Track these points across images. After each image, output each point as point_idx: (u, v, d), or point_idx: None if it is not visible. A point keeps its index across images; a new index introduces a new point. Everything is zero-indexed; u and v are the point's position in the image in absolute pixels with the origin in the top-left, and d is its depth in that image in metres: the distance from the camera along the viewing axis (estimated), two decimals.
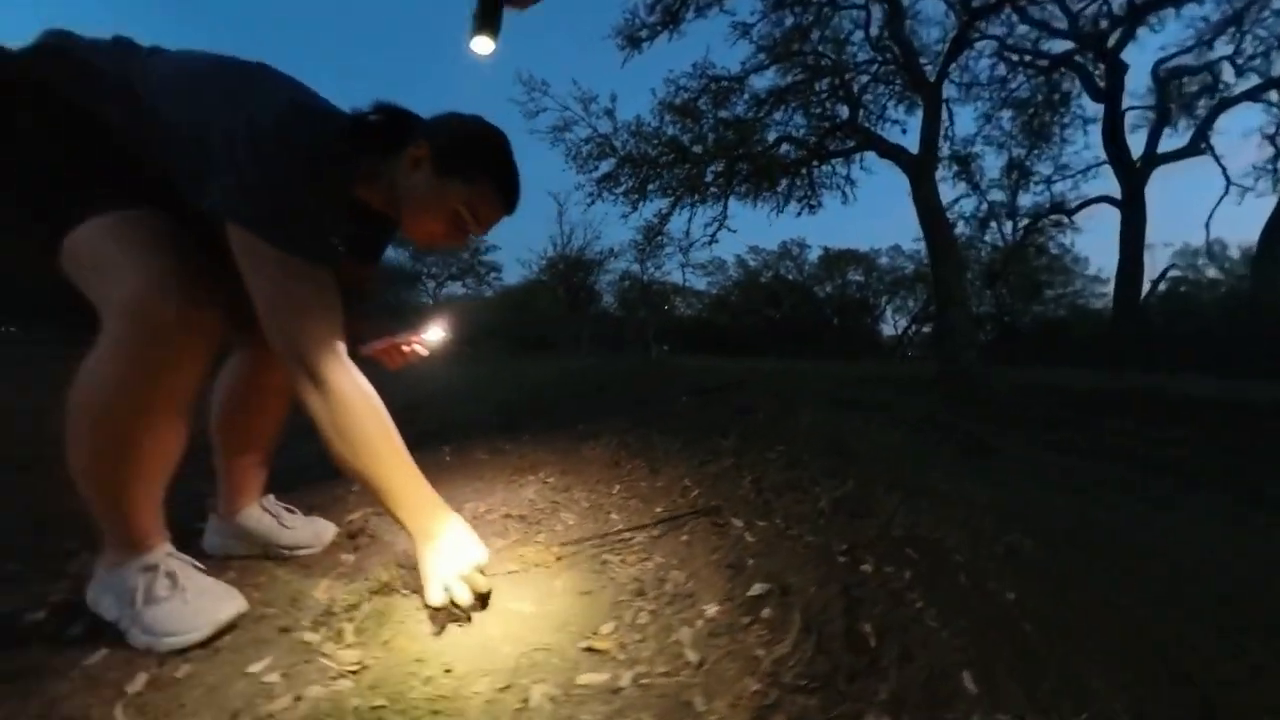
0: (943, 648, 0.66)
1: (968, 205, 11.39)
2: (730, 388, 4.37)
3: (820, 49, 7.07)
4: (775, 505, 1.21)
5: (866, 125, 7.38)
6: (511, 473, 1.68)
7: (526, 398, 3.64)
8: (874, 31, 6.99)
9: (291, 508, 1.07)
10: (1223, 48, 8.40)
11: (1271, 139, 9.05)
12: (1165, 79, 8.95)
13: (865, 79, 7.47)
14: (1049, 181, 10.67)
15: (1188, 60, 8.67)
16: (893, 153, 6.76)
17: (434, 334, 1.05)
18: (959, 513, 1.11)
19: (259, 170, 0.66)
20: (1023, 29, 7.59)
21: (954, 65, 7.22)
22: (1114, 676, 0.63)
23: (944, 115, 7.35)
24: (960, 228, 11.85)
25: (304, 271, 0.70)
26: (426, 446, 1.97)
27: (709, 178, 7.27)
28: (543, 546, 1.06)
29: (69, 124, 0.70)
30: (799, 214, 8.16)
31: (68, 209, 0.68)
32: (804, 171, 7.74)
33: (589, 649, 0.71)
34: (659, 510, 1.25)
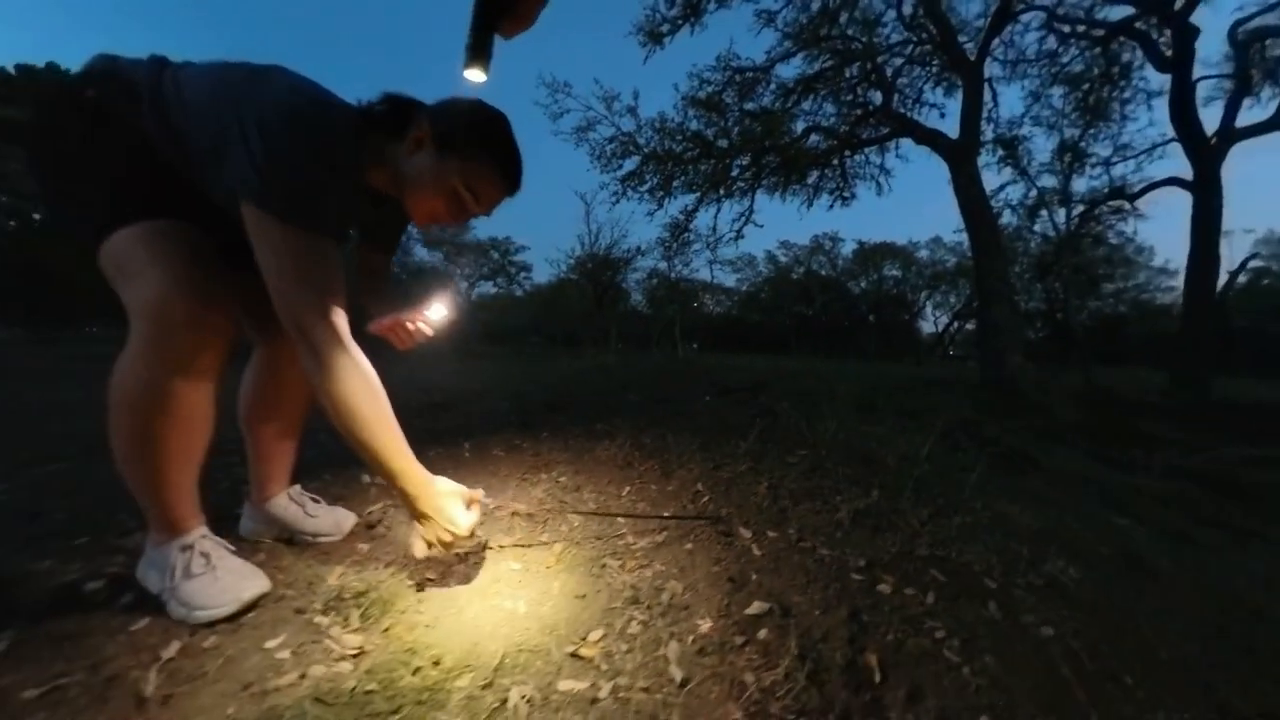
0: (961, 687, 0.59)
1: (1015, 192, 10.63)
2: (755, 388, 4.27)
3: (849, 33, 6.73)
4: (790, 514, 1.14)
5: (901, 111, 7.00)
6: (525, 470, 1.67)
7: (548, 395, 3.65)
8: (907, 10, 6.60)
9: (316, 498, 1.15)
10: None
11: None
12: (1245, 42, 7.70)
13: (899, 62, 7.07)
14: (1107, 164, 9.77)
15: (1271, 20, 7.45)
16: (930, 138, 6.39)
17: (437, 311, 1.05)
18: (993, 533, 1.02)
19: (268, 150, 0.70)
20: None
21: (997, 41, 6.71)
22: None
23: (987, 96, 6.86)
24: (1006, 217, 11.08)
25: (310, 246, 0.74)
26: (448, 442, 1.99)
27: (735, 172, 7.09)
28: (545, 546, 1.05)
29: (115, 140, 0.78)
30: (830, 207, 7.88)
31: (107, 217, 0.76)
32: (835, 162, 7.42)
33: (574, 655, 0.70)
34: (666, 514, 1.20)
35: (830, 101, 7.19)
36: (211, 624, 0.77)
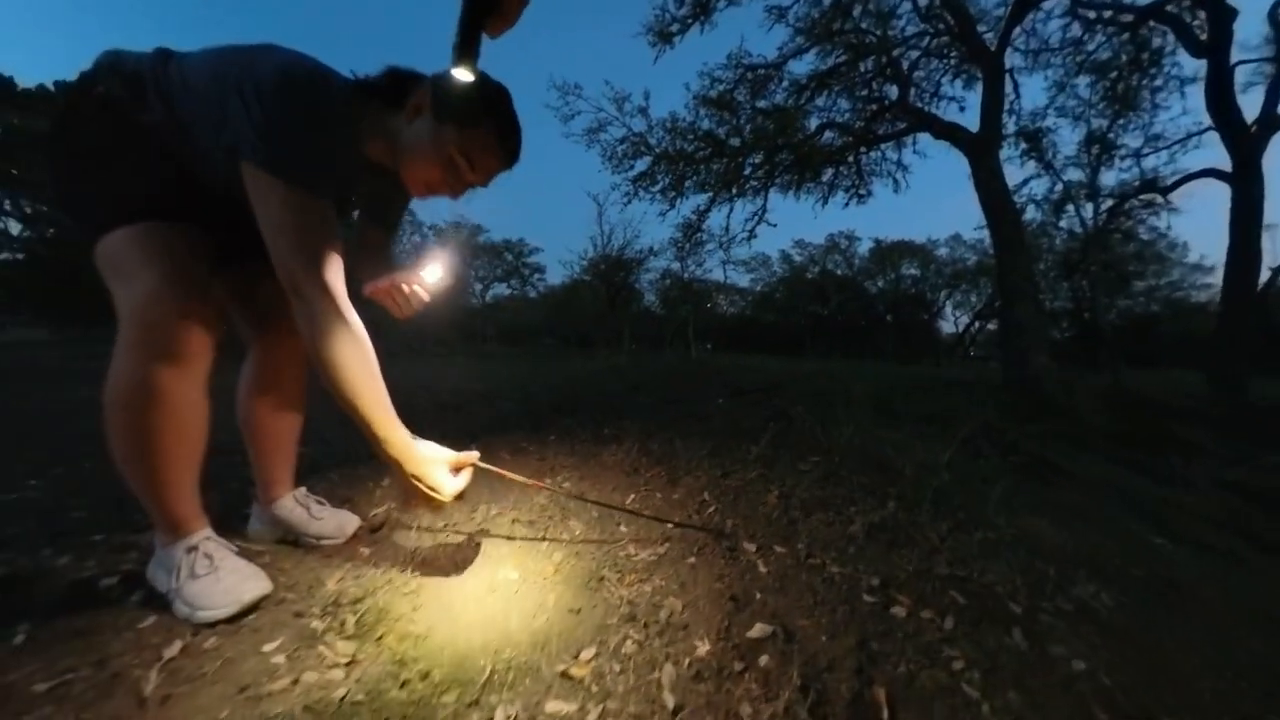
0: None
1: (1039, 187, 10.22)
2: (768, 389, 4.19)
3: (863, 26, 6.55)
4: (800, 527, 1.09)
5: (918, 105, 6.79)
6: (529, 474, 1.64)
7: (558, 397, 3.64)
8: (923, 1, 6.40)
9: (321, 500, 1.15)
10: None
11: None
12: None
13: (915, 54, 6.84)
14: (1138, 155, 9.29)
15: None
16: (949, 133, 6.19)
17: (433, 273, 1.03)
18: (1017, 551, 0.96)
19: (266, 113, 0.71)
20: None
21: (1018, 30, 6.44)
22: None
23: (1008, 87, 6.55)
24: (1030, 213, 10.69)
25: (308, 206, 0.74)
26: (454, 444, 1.97)
27: (748, 171, 6.98)
28: (544, 555, 1.03)
29: (119, 138, 0.79)
30: (846, 205, 7.69)
31: (106, 216, 0.77)
32: (850, 159, 7.24)
33: (565, 674, 0.68)
34: (669, 525, 1.16)
35: (844, 97, 7.02)
36: (214, 624, 0.78)
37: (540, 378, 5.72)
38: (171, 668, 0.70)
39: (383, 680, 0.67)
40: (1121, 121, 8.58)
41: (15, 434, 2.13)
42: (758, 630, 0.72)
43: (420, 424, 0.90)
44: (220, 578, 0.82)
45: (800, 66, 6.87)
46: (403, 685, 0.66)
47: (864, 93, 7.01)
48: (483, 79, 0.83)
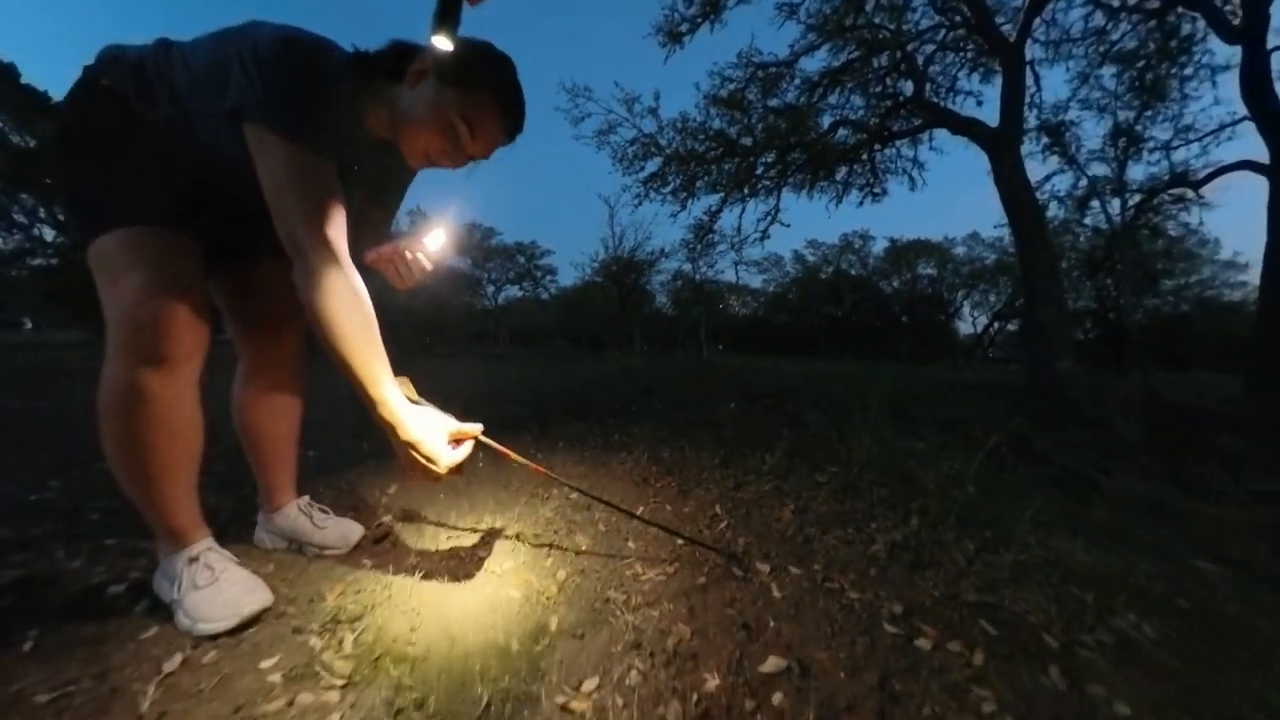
0: None
1: (1062, 183, 9.87)
2: (782, 393, 4.12)
3: (876, 21, 6.41)
4: (817, 546, 1.04)
5: (934, 100, 6.63)
6: (536, 485, 1.62)
7: (569, 400, 3.62)
8: None
9: (325, 509, 1.15)
10: None
11: None
12: None
13: (930, 48, 6.66)
14: (1167, 148, 8.80)
15: None
16: (967, 128, 6.03)
17: (436, 240, 1.00)
18: (1050, 575, 0.89)
19: (267, 72, 0.71)
20: None
21: (1038, 20, 6.23)
22: None
23: (1028, 80, 6.34)
24: (1053, 210, 10.35)
25: (309, 161, 0.73)
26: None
27: (760, 170, 6.89)
28: (549, 573, 1.00)
29: (124, 133, 0.79)
30: (860, 203, 7.55)
31: (100, 217, 0.77)
32: (864, 157, 7.11)
33: (564, 707, 0.65)
34: (680, 541, 1.12)
35: (858, 94, 6.87)
36: (214, 637, 0.78)
37: (551, 379, 5.72)
38: (170, 683, 0.69)
39: (377, 708, 0.65)
40: (1149, 113, 8.21)
41: (44, 434, 2.18)
42: (771, 664, 0.68)
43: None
44: (221, 589, 0.81)
45: (812, 64, 6.79)
46: (397, 714, 0.64)
47: (878, 89, 6.86)
48: (488, 45, 0.82)
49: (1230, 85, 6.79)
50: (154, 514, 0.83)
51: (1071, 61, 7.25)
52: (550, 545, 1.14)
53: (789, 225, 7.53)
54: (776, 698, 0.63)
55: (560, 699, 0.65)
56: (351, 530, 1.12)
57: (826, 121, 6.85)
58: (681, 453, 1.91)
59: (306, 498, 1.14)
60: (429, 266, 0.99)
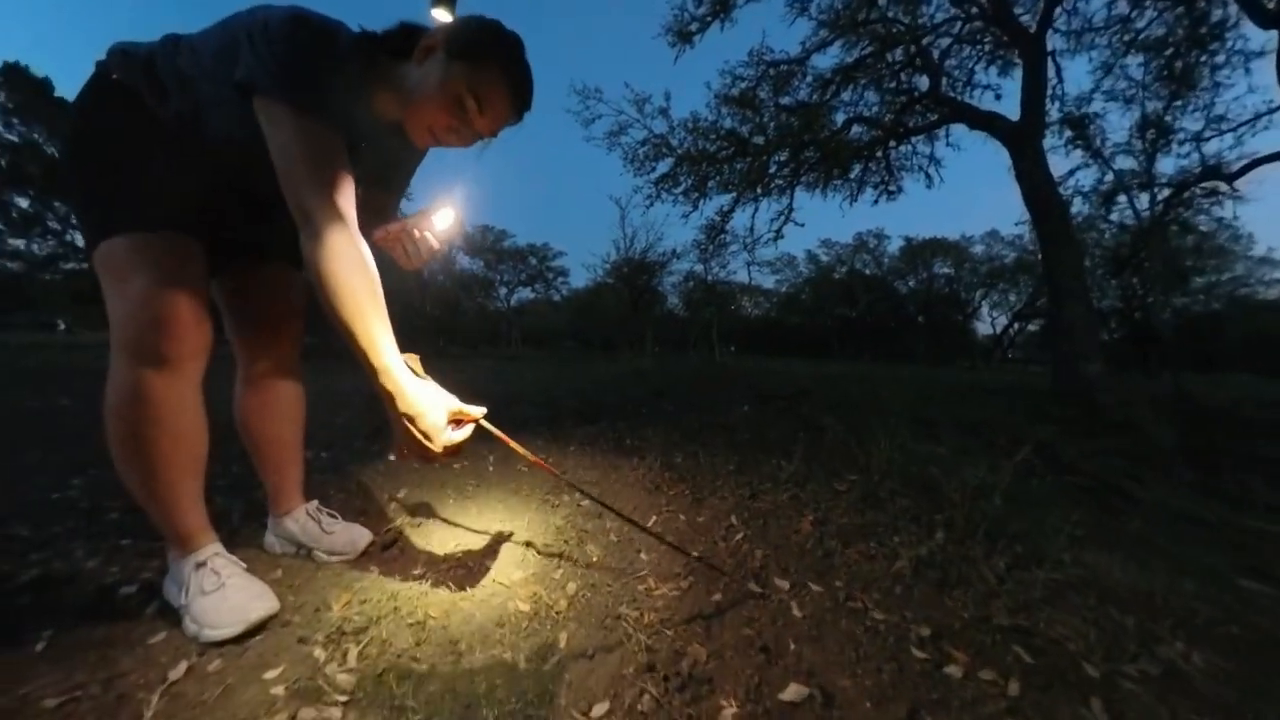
0: None
1: (1086, 178, 9.54)
2: (796, 395, 4.05)
3: (890, 15, 6.28)
4: (838, 560, 1.00)
5: (951, 95, 6.48)
6: (547, 490, 1.60)
7: (580, 402, 3.61)
8: None
9: (334, 514, 1.14)
10: None
11: None
12: None
13: (946, 42, 6.52)
14: (1198, 139, 8.30)
15: None
16: (986, 123, 5.87)
17: (444, 218, 0.98)
18: (1086, 596, 0.84)
19: (276, 46, 0.72)
20: None
21: (1059, 9, 6.01)
22: None
23: (1049, 71, 6.11)
24: (1077, 205, 10.01)
25: (318, 132, 0.73)
26: (471, 453, 1.96)
27: (772, 169, 6.82)
28: (558, 585, 0.97)
29: (135, 130, 0.80)
30: (875, 202, 7.43)
31: (109, 220, 0.78)
32: (879, 154, 6.99)
33: None
34: (694, 554, 1.09)
35: (872, 90, 6.75)
36: (219, 644, 0.78)
37: (563, 380, 5.72)
38: (174, 691, 0.69)
39: None
40: (1179, 103, 7.77)
41: (66, 433, 2.23)
42: (792, 691, 0.64)
43: None
44: (227, 595, 0.81)
45: (824, 60, 6.70)
46: None
47: (892, 84, 6.74)
48: (497, 23, 0.82)
49: (1266, 72, 6.47)
50: (160, 518, 0.83)
51: (1095, 51, 6.97)
52: (560, 556, 1.11)
53: (803, 225, 7.43)
54: None
55: None
56: (359, 536, 1.11)
57: (840, 119, 6.75)
58: (695, 458, 1.87)
59: (315, 502, 1.14)
60: (436, 246, 0.97)
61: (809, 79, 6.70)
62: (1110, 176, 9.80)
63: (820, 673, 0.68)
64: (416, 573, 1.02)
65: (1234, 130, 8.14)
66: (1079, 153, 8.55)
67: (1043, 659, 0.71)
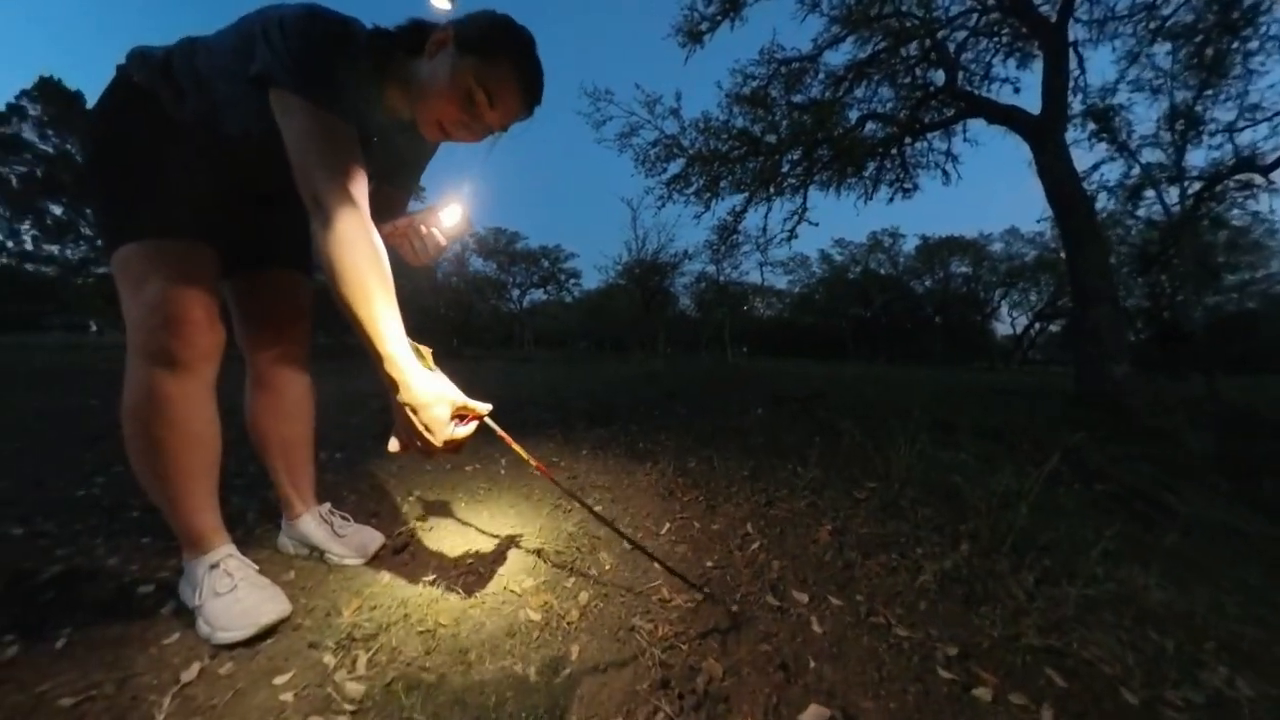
0: None
1: (1112, 172, 9.22)
2: (810, 397, 3.99)
3: (904, 9, 6.15)
4: (858, 572, 0.97)
5: (968, 89, 6.33)
6: (559, 495, 1.59)
7: (592, 405, 3.60)
8: None
9: (346, 516, 1.15)
10: None
11: None
12: None
13: (962, 35, 6.37)
14: (1231, 130, 8.00)
15: None
16: (1005, 117, 5.71)
17: (452, 215, 0.97)
18: (1122, 615, 0.80)
19: (291, 40, 0.73)
20: None
21: None
22: None
23: (1071, 63, 5.91)
24: (1102, 200, 9.68)
25: (331, 123, 0.74)
26: (484, 456, 1.96)
27: (785, 168, 6.74)
28: (570, 594, 0.96)
29: (155, 134, 0.81)
30: (891, 200, 7.30)
31: (127, 226, 0.80)
32: (894, 151, 6.86)
33: None
34: (709, 564, 1.07)
35: (886, 85, 6.63)
36: (233, 646, 0.78)
37: (575, 382, 5.73)
38: (186, 694, 0.70)
39: None
40: (1210, 92, 7.44)
41: (93, 432, 2.29)
42: (812, 713, 0.62)
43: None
44: (239, 597, 0.82)
45: (837, 57, 6.60)
46: None
47: (907, 80, 6.61)
48: (509, 18, 0.83)
49: None
50: (175, 518, 0.85)
51: (1119, 40, 6.70)
52: (572, 564, 1.10)
53: (817, 224, 7.33)
54: None
55: None
56: (371, 539, 1.11)
57: (854, 116, 6.65)
58: (709, 463, 1.85)
59: (328, 505, 1.14)
60: (444, 242, 0.97)
61: (821, 76, 6.63)
62: (1137, 170, 9.47)
63: (841, 693, 0.65)
64: (427, 579, 1.01)
65: (1269, 120, 7.78)
66: (1103, 146, 8.27)
67: (1077, 682, 0.67)
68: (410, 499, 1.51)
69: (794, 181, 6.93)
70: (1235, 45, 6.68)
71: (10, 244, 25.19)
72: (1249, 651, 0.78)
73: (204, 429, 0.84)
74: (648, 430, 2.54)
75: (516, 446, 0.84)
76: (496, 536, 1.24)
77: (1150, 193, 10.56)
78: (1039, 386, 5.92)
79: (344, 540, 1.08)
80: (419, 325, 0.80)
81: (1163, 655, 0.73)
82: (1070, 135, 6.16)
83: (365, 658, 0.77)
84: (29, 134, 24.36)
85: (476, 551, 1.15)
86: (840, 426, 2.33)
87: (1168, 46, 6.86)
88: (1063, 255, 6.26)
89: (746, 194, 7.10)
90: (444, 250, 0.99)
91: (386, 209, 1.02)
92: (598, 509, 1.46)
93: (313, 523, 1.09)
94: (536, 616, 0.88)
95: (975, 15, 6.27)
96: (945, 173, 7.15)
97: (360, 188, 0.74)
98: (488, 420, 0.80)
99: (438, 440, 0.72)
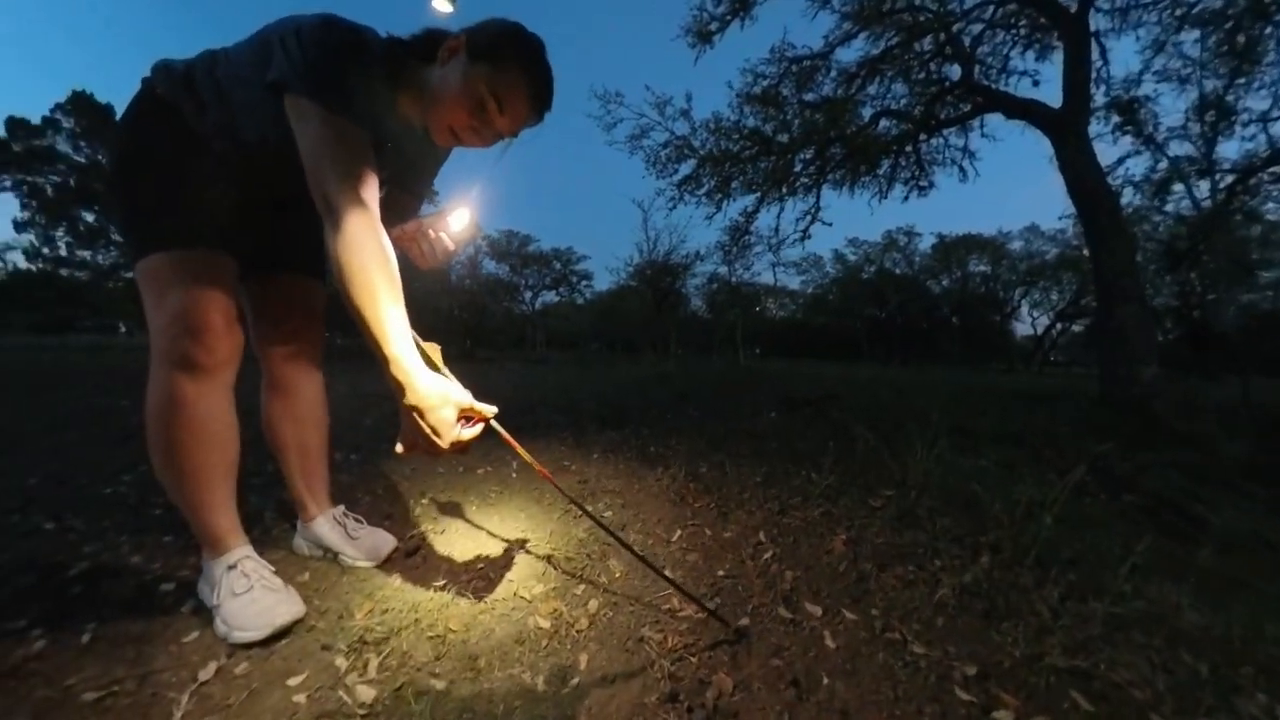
0: None
1: (1137, 166, 8.90)
2: (824, 400, 3.94)
3: (917, 3, 6.01)
4: (874, 585, 0.95)
5: (985, 83, 6.17)
6: (568, 500, 1.59)
7: (604, 408, 3.60)
8: None
9: (359, 519, 1.17)
10: None
11: None
12: None
13: (978, 27, 6.18)
14: (1265, 120, 7.59)
15: None
16: (1024, 111, 5.53)
17: (460, 219, 0.98)
18: (1152, 635, 0.77)
19: (307, 48, 0.75)
20: None
21: None
22: None
23: (1093, 53, 5.66)
24: (1128, 196, 9.35)
25: (345, 129, 0.75)
26: (495, 459, 1.97)
27: (798, 167, 6.66)
28: (579, 602, 0.96)
29: (178, 146, 0.84)
30: (906, 198, 7.16)
31: (151, 238, 0.82)
32: (909, 148, 6.73)
33: None
34: (720, 573, 1.06)
35: (900, 81, 6.47)
36: (249, 646, 0.80)
37: (587, 384, 5.74)
38: (203, 692, 0.72)
39: None
40: (1241, 81, 7.08)
41: (121, 431, 2.36)
42: None
43: None
44: (255, 598, 0.84)
45: (849, 54, 6.46)
46: None
47: (921, 75, 6.45)
48: (519, 26, 0.85)
49: None
50: (194, 519, 0.87)
51: (1143, 29, 6.42)
52: (582, 571, 1.10)
53: (830, 224, 7.24)
54: None
55: None
56: (384, 542, 1.13)
57: (867, 113, 6.53)
58: (720, 468, 1.83)
59: (341, 507, 1.16)
60: (452, 246, 0.99)
61: (833, 74, 6.52)
62: (1164, 163, 9.12)
63: (855, 712, 0.64)
64: (438, 583, 1.02)
65: None
66: (1128, 139, 7.95)
67: (1104, 706, 0.64)
68: (423, 501, 1.53)
69: (807, 181, 6.85)
70: (1269, 30, 6.39)
71: (46, 250, 26.26)
72: None
73: (222, 431, 0.86)
74: (659, 433, 2.53)
75: (522, 451, 0.85)
76: (507, 541, 1.25)
77: (1179, 187, 10.18)
78: (1062, 389, 5.76)
79: (357, 543, 1.10)
80: (433, 327, 0.81)
81: (1196, 679, 0.70)
82: (1093, 129, 5.92)
83: (376, 661, 0.78)
84: (63, 145, 25.41)
85: (487, 556, 1.15)
86: (855, 431, 2.29)
87: (1196, 33, 6.55)
88: (1086, 253, 6.07)
89: (758, 194, 7.03)
90: (452, 254, 1.00)
91: (399, 212, 1.04)
92: (607, 515, 1.46)
93: (327, 525, 1.11)
94: (546, 624, 0.88)
95: (992, 7, 6.11)
96: (962, 169, 7.00)
97: (371, 191, 0.76)
98: (494, 424, 0.81)
99: (444, 442, 0.72)
